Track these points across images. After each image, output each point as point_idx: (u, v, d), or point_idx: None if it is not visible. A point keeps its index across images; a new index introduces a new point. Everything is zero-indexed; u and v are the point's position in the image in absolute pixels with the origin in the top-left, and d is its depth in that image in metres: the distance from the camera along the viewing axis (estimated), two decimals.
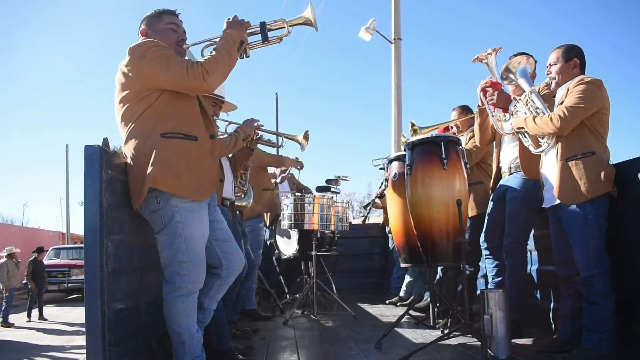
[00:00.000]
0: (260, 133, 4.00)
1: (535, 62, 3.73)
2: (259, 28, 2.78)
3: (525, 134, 3.31)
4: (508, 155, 3.83)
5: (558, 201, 3.09)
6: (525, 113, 3.29)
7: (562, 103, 3.07)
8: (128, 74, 2.51)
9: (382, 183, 6.88)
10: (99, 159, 2.33)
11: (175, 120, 2.54)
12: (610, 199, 2.97)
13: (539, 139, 3.23)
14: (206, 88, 2.57)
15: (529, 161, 3.58)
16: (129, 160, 2.54)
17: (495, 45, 3.59)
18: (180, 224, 2.47)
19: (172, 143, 2.49)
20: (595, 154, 2.97)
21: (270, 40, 2.81)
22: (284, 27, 2.80)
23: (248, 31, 2.74)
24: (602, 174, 2.92)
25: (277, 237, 6.33)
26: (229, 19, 2.71)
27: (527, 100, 3.29)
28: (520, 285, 3.75)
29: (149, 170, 2.42)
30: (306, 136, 4.42)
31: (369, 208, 8.12)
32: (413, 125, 4.57)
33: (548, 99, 3.39)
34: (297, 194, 5.18)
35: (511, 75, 3.44)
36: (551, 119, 3.01)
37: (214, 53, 2.57)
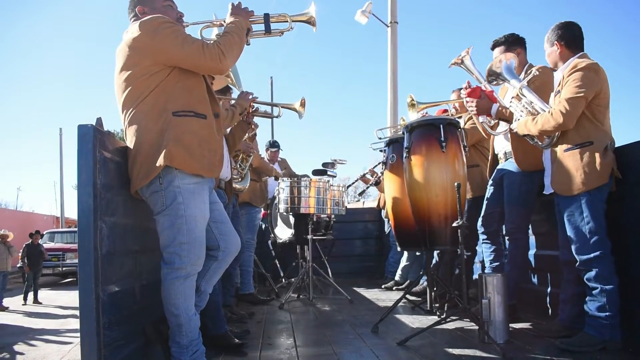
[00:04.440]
0: (256, 106, 3.96)
1: (524, 45, 3.70)
2: (262, 19, 2.84)
3: (533, 137, 3.23)
4: (501, 142, 3.80)
5: None
6: (522, 111, 3.22)
7: (558, 92, 3.02)
8: (138, 48, 2.46)
9: (377, 164, 6.84)
10: (93, 139, 2.27)
11: (186, 98, 2.52)
12: (614, 183, 2.92)
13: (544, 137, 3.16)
14: (220, 69, 2.58)
15: (524, 155, 3.55)
16: (133, 139, 2.47)
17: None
18: (182, 205, 2.44)
19: (184, 121, 2.47)
20: (594, 143, 2.90)
21: (273, 32, 2.88)
22: (287, 22, 2.89)
23: (250, 20, 2.78)
24: (600, 164, 2.85)
25: (273, 221, 6.32)
26: (233, 4, 2.74)
27: (519, 96, 3.23)
28: (520, 270, 3.74)
29: (164, 149, 2.39)
30: (302, 103, 4.34)
31: (353, 183, 8.09)
32: (412, 99, 4.51)
33: (538, 81, 3.36)
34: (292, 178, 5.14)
35: (500, 77, 3.37)
36: (552, 115, 2.94)
37: (227, 36, 2.59)
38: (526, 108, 3.19)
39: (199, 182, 2.52)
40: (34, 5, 67.77)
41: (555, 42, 3.11)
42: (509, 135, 3.61)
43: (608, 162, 2.88)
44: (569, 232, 3.00)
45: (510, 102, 3.33)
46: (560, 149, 3.03)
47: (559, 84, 3.04)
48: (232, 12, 2.72)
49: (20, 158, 72.31)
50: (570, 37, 3.10)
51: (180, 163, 2.41)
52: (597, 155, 2.88)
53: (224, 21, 2.75)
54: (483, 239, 3.95)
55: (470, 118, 4.38)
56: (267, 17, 2.83)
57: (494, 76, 3.38)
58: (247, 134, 4.12)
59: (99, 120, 2.42)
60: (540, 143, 3.20)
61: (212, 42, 2.54)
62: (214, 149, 2.58)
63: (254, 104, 3.91)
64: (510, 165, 3.67)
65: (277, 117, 4.34)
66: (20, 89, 71.29)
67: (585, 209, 2.90)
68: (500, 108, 3.44)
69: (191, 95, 2.55)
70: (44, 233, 16.48)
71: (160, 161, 2.38)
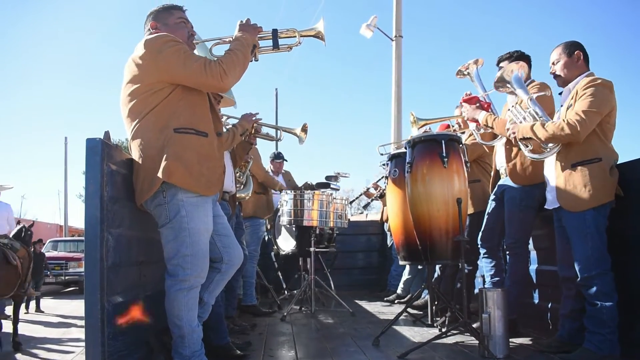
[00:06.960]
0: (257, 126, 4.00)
1: (529, 62, 3.75)
2: (270, 34, 2.85)
3: (528, 143, 3.20)
4: (502, 157, 3.82)
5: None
6: (525, 119, 3.24)
7: (570, 106, 3.00)
8: (142, 66, 2.50)
9: (380, 178, 6.88)
10: (101, 152, 2.31)
11: (188, 115, 2.56)
12: (615, 199, 2.94)
13: (543, 146, 3.14)
14: (222, 87, 2.62)
15: (518, 170, 3.59)
16: (136, 154, 2.52)
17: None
18: (186, 218, 2.48)
19: (185, 138, 2.51)
20: (602, 160, 2.91)
21: (281, 47, 2.88)
22: (295, 37, 2.89)
23: (259, 36, 2.80)
24: (607, 181, 2.88)
25: (276, 232, 6.34)
26: (241, 21, 2.77)
27: (526, 107, 3.24)
28: (520, 285, 3.76)
29: (162, 164, 2.42)
30: (304, 129, 4.41)
31: (357, 198, 8.15)
32: (414, 117, 4.56)
33: (543, 101, 3.38)
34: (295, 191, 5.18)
35: (507, 85, 3.38)
36: (568, 124, 2.89)
37: (230, 54, 2.61)
38: (531, 115, 3.19)
39: (202, 195, 2.55)
40: (33, 5, 68.08)
41: (577, 51, 3.11)
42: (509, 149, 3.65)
43: (614, 179, 2.91)
44: (573, 246, 3.01)
45: (509, 111, 3.35)
46: (566, 164, 3.03)
47: (572, 97, 3.02)
48: (240, 28, 2.74)
49: (24, 165, 72.36)
50: (586, 52, 3.14)
51: (178, 180, 2.45)
52: (604, 170, 2.90)
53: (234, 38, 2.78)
54: (483, 254, 3.97)
55: (472, 135, 4.42)
56: (275, 32, 2.84)
57: (501, 83, 3.38)
58: (248, 152, 4.16)
59: (106, 133, 2.47)
60: (531, 155, 3.19)
61: (215, 60, 2.57)
62: (213, 167, 2.61)
63: (255, 125, 3.95)
64: (511, 180, 3.70)
65: (278, 140, 4.39)
66: (26, 96, 71.50)
67: (590, 225, 2.91)
68: (489, 116, 3.50)
69: (194, 112, 2.59)
70: (48, 242, 16.52)
71: (158, 177, 2.42)
